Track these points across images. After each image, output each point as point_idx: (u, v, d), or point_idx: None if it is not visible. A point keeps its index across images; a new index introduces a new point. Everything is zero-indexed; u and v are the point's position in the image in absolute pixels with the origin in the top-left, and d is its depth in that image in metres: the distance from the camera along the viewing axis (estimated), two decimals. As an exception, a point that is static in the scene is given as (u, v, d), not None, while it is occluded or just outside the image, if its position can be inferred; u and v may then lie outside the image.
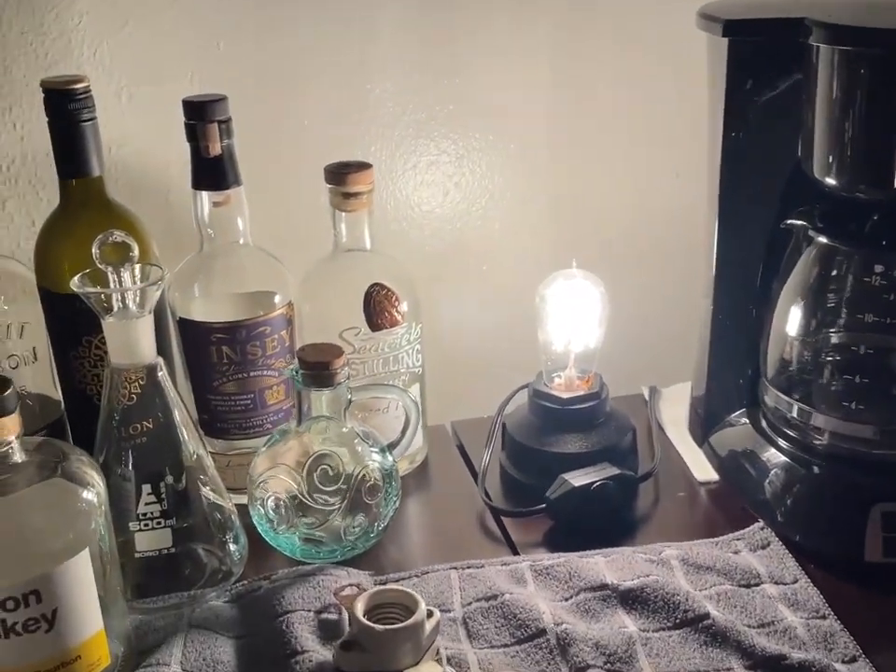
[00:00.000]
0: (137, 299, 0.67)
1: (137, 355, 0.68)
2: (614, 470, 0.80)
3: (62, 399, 0.83)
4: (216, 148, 0.76)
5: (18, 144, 0.88)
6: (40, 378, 0.81)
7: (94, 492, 0.62)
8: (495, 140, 0.98)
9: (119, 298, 0.66)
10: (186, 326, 0.80)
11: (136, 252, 0.67)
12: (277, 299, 0.81)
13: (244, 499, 0.77)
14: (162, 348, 0.75)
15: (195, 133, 0.76)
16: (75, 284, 0.66)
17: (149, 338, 0.69)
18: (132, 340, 0.68)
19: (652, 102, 0.99)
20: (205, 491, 0.72)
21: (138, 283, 0.67)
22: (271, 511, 0.74)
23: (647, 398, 0.98)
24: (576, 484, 0.78)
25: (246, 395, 0.81)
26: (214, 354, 0.79)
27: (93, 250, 0.66)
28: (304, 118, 0.93)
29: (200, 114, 0.75)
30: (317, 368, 0.73)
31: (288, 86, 0.91)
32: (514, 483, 0.85)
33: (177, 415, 0.71)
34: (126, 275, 0.67)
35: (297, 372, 0.73)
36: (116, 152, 0.89)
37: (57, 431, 0.81)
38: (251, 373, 0.80)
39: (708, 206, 0.82)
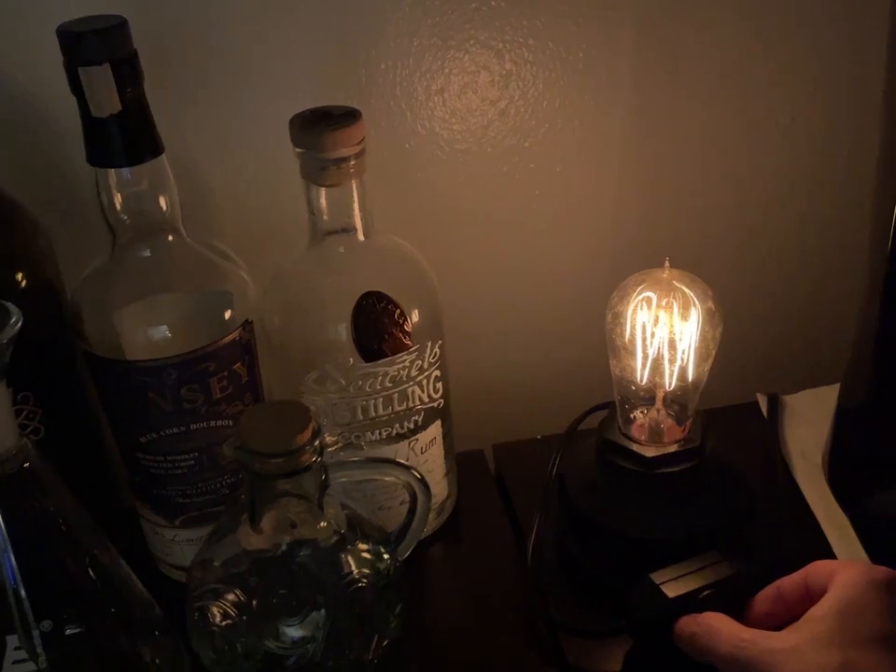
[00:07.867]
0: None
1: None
2: (725, 568, 0.54)
3: None
4: (113, 104, 0.49)
5: None
6: None
7: None
8: (556, 48, 0.69)
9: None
10: (94, 362, 0.55)
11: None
12: (227, 318, 0.55)
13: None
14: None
15: (79, 83, 0.49)
16: None
17: (4, 416, 0.45)
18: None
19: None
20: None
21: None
22: (209, 646, 0.51)
23: (765, 412, 0.71)
24: (671, 595, 0.52)
25: (188, 454, 0.57)
26: (136, 401, 0.55)
27: None
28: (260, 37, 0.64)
29: (83, 51, 0.48)
30: (270, 452, 0.48)
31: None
32: (575, 566, 0.60)
33: (62, 524, 0.47)
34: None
35: (240, 453, 0.49)
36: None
37: None
38: (191, 426, 0.56)
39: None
